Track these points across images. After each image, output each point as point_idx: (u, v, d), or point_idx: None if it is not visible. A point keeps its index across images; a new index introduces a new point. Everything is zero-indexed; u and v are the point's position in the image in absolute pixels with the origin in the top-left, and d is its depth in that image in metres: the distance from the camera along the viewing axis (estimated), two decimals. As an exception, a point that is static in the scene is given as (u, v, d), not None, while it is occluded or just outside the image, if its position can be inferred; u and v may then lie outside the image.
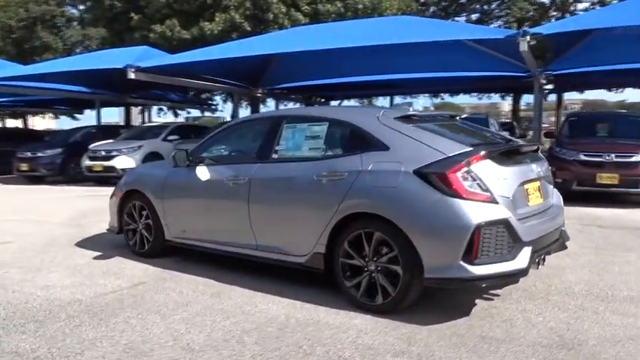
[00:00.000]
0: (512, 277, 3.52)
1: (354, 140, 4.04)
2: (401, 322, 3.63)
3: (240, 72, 15.94)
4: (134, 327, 3.62)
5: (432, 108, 27.17)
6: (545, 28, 9.08)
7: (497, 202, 3.52)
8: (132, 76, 12.62)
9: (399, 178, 3.64)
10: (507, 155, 3.85)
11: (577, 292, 4.28)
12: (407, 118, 4.11)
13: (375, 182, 3.74)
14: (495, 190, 3.54)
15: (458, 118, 4.72)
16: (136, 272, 5.02)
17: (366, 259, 3.81)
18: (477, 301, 4.06)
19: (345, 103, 30.13)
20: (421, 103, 36.60)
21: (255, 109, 20.86)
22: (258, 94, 17.83)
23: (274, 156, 4.48)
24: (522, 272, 3.54)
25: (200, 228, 4.97)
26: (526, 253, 3.58)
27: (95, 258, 5.60)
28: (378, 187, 3.72)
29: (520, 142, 4.74)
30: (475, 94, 25.81)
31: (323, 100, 23.89)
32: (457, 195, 3.46)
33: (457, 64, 15.16)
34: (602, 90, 24.52)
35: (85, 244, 6.29)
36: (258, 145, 4.65)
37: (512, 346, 3.27)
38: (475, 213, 3.43)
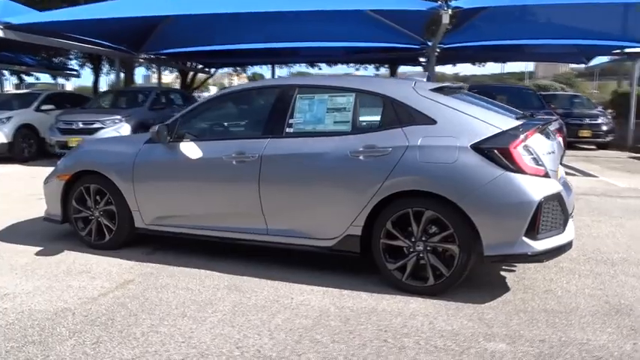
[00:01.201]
0: (565, 250, 3.56)
1: (390, 113, 3.75)
2: (456, 303, 3.51)
3: (122, 34, 14.39)
4: (173, 337, 3.04)
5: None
6: (465, 2, 9.38)
7: (549, 176, 3.51)
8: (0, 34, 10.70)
9: (455, 154, 3.46)
10: (545, 129, 3.86)
11: (577, 258, 4.50)
12: (442, 90, 3.92)
13: (427, 158, 3.51)
14: (547, 164, 3.53)
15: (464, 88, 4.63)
16: (110, 269, 4.26)
17: (413, 240, 3.60)
18: (502, 274, 4.07)
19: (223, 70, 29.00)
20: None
21: (129, 77, 19.17)
22: (141, 59, 16.31)
23: (289, 130, 4.01)
24: (570, 244, 3.60)
25: (188, 213, 4.34)
26: (571, 224, 3.65)
27: (38, 254, 4.66)
28: (432, 164, 3.50)
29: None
30: (354, 64, 26.30)
31: (201, 66, 22.72)
32: (519, 170, 3.38)
33: (352, 35, 15.24)
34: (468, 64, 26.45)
35: (10, 237, 5.20)
36: (266, 117, 4.13)
37: (577, 316, 3.32)
38: (536, 188, 3.38)
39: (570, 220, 3.66)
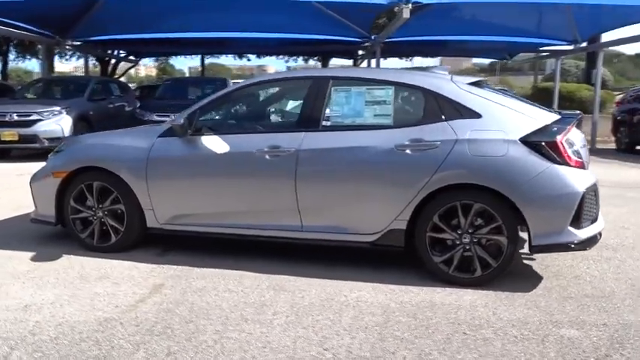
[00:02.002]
0: (599, 238, 3.76)
1: (433, 107, 3.77)
2: (503, 292, 3.61)
3: (47, 18, 13.33)
4: (249, 342, 2.89)
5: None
6: (425, -2, 9.61)
7: (586, 168, 3.69)
8: None
9: (505, 147, 3.55)
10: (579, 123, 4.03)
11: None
12: (478, 84, 3.99)
13: (477, 152, 3.57)
14: (583, 156, 3.71)
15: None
16: (129, 272, 3.97)
17: (460, 232, 3.66)
18: (527, 263, 4.25)
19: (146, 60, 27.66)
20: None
21: (50, 63, 17.84)
22: (67, 46, 15.21)
23: (325, 123, 3.92)
24: (601, 233, 3.82)
25: (212, 211, 4.13)
26: (600, 214, 3.87)
27: (35, 260, 4.25)
28: (482, 157, 3.56)
29: None
30: (283, 56, 26.14)
31: (123, 54, 21.58)
32: (564, 162, 3.53)
33: (291, 26, 15.15)
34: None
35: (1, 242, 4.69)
36: (299, 110, 4.00)
37: (618, 300, 3.53)
38: (579, 179, 3.55)
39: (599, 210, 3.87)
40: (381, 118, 3.83)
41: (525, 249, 3.92)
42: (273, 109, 4.53)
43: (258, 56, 26.11)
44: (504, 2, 10.82)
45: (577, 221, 3.54)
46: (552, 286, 3.75)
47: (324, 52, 21.19)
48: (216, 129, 4.15)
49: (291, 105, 4.20)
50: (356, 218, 3.83)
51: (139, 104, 13.58)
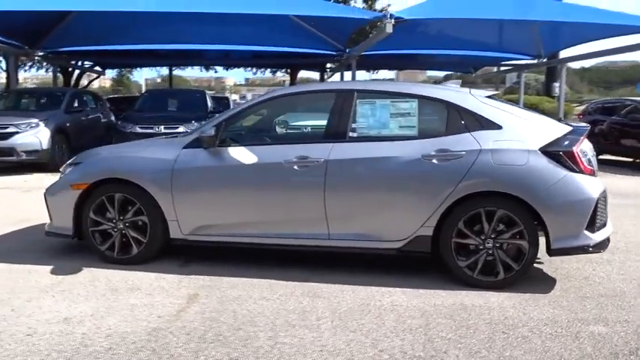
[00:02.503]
0: (609, 241, 4.03)
1: (456, 119, 3.97)
2: (524, 294, 3.81)
3: (18, 28, 13.01)
4: (305, 346, 2.99)
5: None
6: (407, 13, 9.91)
7: (596, 175, 3.97)
8: None
9: (526, 157, 3.78)
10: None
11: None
12: (493, 98, 4.23)
13: (500, 161, 3.79)
14: (594, 164, 3.99)
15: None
16: (158, 283, 3.99)
17: (483, 237, 3.87)
18: (537, 267, 4.48)
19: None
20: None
21: (14, 75, 17.32)
22: (36, 57, 14.85)
23: (352, 134, 4.07)
24: (609, 237, 4.09)
25: (238, 221, 4.20)
26: (608, 218, 4.15)
27: (56, 273, 4.21)
28: (505, 166, 3.79)
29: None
30: (251, 68, 26.19)
31: (89, 65, 21.16)
32: (580, 170, 3.79)
33: (264, 39, 15.29)
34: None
35: (5, 256, 4.61)
36: (325, 122, 4.14)
37: (631, 299, 3.79)
38: (593, 186, 3.82)
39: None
40: (407, 130, 4.01)
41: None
42: (294, 121, 4.64)
43: (226, 68, 26.05)
44: (478, 19, 11.29)
45: (592, 225, 3.80)
46: (567, 287, 3.99)
47: (293, 64, 21.38)
48: (242, 140, 4.24)
49: (317, 117, 4.33)
50: (383, 226, 3.98)
51: (112, 116, 13.41)
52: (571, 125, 4.09)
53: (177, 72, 41.81)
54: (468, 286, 3.90)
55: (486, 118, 3.93)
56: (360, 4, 22.23)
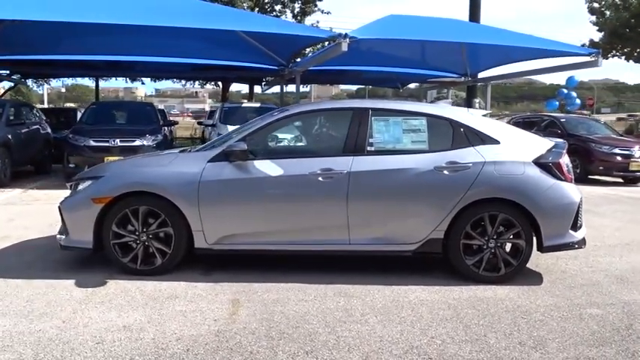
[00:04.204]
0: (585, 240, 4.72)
1: (460, 135, 4.51)
2: (522, 286, 4.41)
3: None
4: (364, 339, 3.35)
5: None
6: (358, 33, 10.51)
7: (573, 182, 4.67)
8: None
9: (522, 168, 4.39)
10: None
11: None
12: (487, 116, 4.83)
13: (501, 171, 4.38)
14: (572, 173, 4.69)
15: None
16: (194, 291, 4.18)
17: (486, 238, 4.43)
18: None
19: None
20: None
21: None
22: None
23: (370, 148, 4.50)
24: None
25: (262, 230, 4.47)
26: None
27: (84, 286, 4.27)
28: (505, 176, 4.37)
29: None
30: (180, 80, 25.87)
31: (6, 74, 20.00)
32: (565, 178, 4.46)
33: (204, 52, 15.32)
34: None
35: (23, 272, 4.57)
36: (345, 137, 4.53)
37: (606, 286, 4.49)
38: (575, 192, 4.51)
39: None
40: (418, 144, 4.50)
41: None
42: (318, 136, 4.98)
43: (154, 80, 25.56)
44: (416, 40, 12.16)
45: (575, 225, 4.48)
46: (554, 280, 4.64)
47: (228, 77, 21.45)
48: (267, 154, 4.53)
49: (335, 132, 4.71)
50: (399, 230, 4.43)
51: (49, 129, 12.93)
52: (552, 140, 4.77)
53: (83, 82, 39.72)
54: (474, 282, 4.43)
55: (486, 134, 4.51)
56: (289, 19, 22.83)
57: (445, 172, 4.39)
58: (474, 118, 4.63)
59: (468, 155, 4.43)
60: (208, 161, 4.48)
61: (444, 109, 4.76)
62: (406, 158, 4.45)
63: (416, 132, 4.54)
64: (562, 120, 14.24)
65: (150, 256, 4.51)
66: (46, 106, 32.78)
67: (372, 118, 4.56)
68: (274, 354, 3.10)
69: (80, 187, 4.64)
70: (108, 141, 10.05)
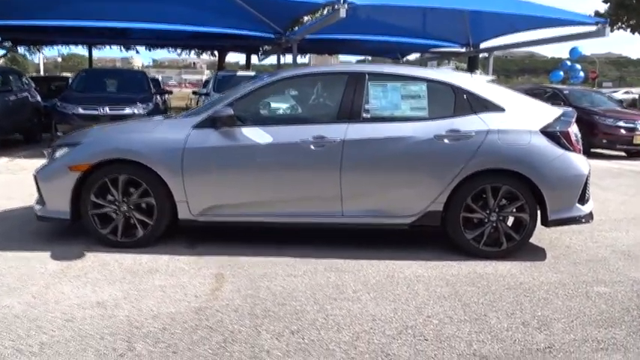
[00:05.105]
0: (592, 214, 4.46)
1: (463, 102, 4.21)
2: (524, 262, 4.17)
3: None
4: (357, 317, 3.12)
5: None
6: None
7: (582, 152, 4.39)
8: None
9: (528, 137, 4.10)
10: None
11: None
12: (493, 82, 4.52)
13: (506, 141, 4.09)
14: (580, 144, 4.40)
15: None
16: (176, 265, 3.93)
17: (488, 211, 4.17)
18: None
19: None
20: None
21: None
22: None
23: (365, 115, 4.20)
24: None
25: (250, 200, 4.21)
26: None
27: (60, 259, 4.02)
28: (510, 146, 4.09)
29: None
30: (175, 49, 25.32)
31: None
32: (573, 149, 4.18)
33: (199, 18, 14.88)
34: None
35: (3, 242, 4.32)
36: (339, 103, 4.23)
37: (613, 263, 4.25)
38: (583, 163, 4.23)
39: None
40: (418, 111, 4.20)
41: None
42: (313, 102, 4.67)
43: (148, 49, 24.95)
44: (418, 7, 11.73)
45: (582, 198, 4.21)
46: (557, 255, 4.40)
47: (224, 46, 20.95)
48: (255, 120, 4.24)
49: (329, 98, 4.40)
50: (396, 202, 4.16)
51: (39, 97, 12.59)
52: (561, 109, 4.47)
53: (78, 51, 38.98)
54: (474, 257, 4.19)
55: (490, 101, 4.21)
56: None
57: (445, 140, 4.10)
58: (477, 83, 4.32)
59: (470, 123, 4.13)
60: (193, 127, 4.18)
61: (446, 73, 4.45)
62: (404, 126, 4.15)
63: (415, 98, 4.23)
64: (565, 92, 13.87)
65: (131, 228, 4.26)
66: (42, 75, 32.13)
67: (369, 83, 4.24)
68: (257, 333, 2.87)
69: (57, 154, 4.35)
70: (97, 109, 9.73)
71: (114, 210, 4.22)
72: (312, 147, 4.09)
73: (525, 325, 3.05)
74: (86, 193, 4.19)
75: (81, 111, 9.67)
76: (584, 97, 13.68)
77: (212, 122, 4.15)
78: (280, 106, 4.55)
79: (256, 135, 4.12)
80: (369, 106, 4.21)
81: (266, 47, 19.14)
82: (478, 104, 4.20)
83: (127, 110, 9.87)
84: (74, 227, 4.45)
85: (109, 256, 4.07)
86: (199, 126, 4.18)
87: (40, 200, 4.33)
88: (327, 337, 2.83)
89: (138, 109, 10.00)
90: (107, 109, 9.74)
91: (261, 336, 2.84)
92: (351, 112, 4.18)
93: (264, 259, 4.07)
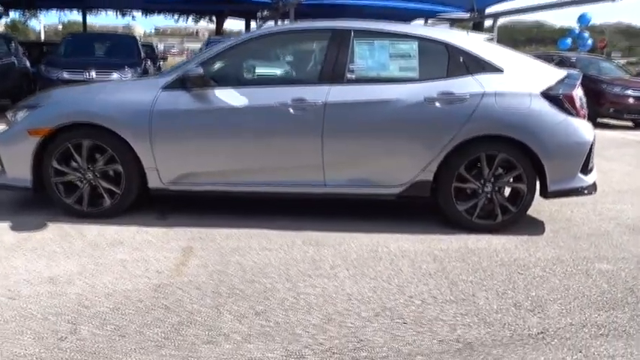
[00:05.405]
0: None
1: (457, 61, 3.83)
2: (520, 236, 3.86)
3: None
4: (331, 296, 2.83)
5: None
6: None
7: (587, 118, 4.03)
8: None
9: (528, 100, 3.74)
10: None
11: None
12: (490, 41, 4.13)
13: (503, 105, 3.73)
14: (585, 109, 4.03)
15: None
16: (143, 237, 3.64)
17: (482, 181, 3.84)
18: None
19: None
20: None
21: None
22: None
23: (350, 76, 3.83)
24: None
25: (225, 168, 3.89)
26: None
27: (17, 229, 3.73)
28: (508, 110, 3.73)
29: None
30: (172, 15, 24.67)
31: None
32: (577, 114, 3.82)
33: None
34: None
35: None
36: (321, 62, 3.86)
37: (617, 237, 3.93)
38: (587, 130, 3.87)
39: None
40: (407, 72, 3.83)
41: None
42: (290, 61, 4.31)
43: (144, 14, 24.33)
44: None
45: (585, 168, 3.87)
46: (557, 229, 4.08)
47: (222, 11, 20.35)
48: (229, 81, 3.88)
49: (310, 57, 4.04)
50: (383, 171, 3.84)
51: (28, 62, 12.22)
52: (565, 70, 4.09)
53: (79, 18, 38.46)
54: (466, 230, 3.88)
55: (488, 61, 3.84)
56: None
57: (437, 104, 3.74)
58: (473, 42, 3.93)
59: (465, 85, 3.77)
60: (162, 89, 3.83)
61: (439, 31, 4.05)
62: (392, 88, 3.79)
63: (405, 58, 3.86)
64: (572, 59, 13.36)
65: (98, 198, 3.96)
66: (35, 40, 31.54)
67: (355, 40, 3.86)
68: (218, 314, 2.58)
69: (18, 117, 4.02)
70: (82, 73, 9.32)
71: (78, 178, 3.91)
72: (291, 110, 3.75)
73: (517, 306, 2.75)
74: (48, 159, 3.87)
75: (65, 76, 9.27)
76: (591, 65, 13.18)
77: (182, 83, 3.80)
78: (257, 66, 4.16)
79: (230, 97, 3.77)
80: (354, 66, 3.84)
81: (265, 13, 18.54)
82: (474, 65, 3.83)
83: (115, 75, 9.46)
84: (41, 197, 4.14)
85: (72, 227, 3.77)
86: (169, 87, 3.83)
87: (1, 167, 4.02)
88: (294, 320, 2.54)
89: (126, 75, 9.60)
90: (93, 73, 9.34)
91: (222, 317, 2.55)
92: (334, 73, 3.82)
93: (240, 230, 3.77)
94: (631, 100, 11.42)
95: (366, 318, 2.58)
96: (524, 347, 2.36)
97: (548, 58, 14.17)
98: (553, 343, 2.41)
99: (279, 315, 2.59)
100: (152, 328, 2.43)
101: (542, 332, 2.50)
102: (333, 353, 2.26)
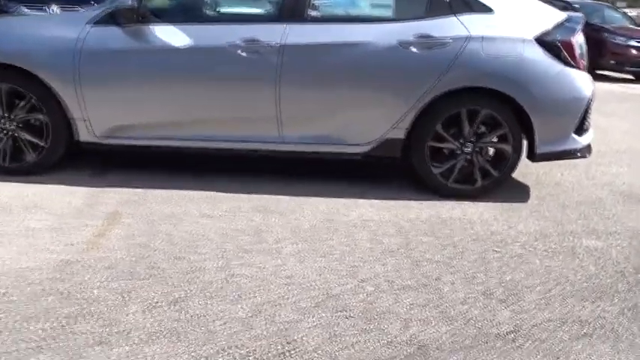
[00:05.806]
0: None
1: (439, -1, 3.26)
2: (502, 204, 3.41)
3: None
4: (266, 279, 2.38)
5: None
6: None
7: (586, 70, 3.49)
8: None
9: (521, 47, 3.19)
10: None
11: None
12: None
13: (491, 51, 3.18)
14: (585, 59, 3.49)
15: None
16: (68, 200, 3.16)
17: (462, 141, 3.34)
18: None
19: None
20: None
21: None
22: None
23: (313, 13, 3.26)
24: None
25: (166, 120, 3.37)
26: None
27: None
28: (496, 57, 3.19)
29: None
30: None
31: None
32: (575, 65, 3.29)
33: None
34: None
35: None
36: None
37: (610, 207, 3.50)
38: (586, 83, 3.36)
39: None
40: (380, 10, 3.30)
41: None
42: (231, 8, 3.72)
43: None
44: None
45: (580, 128, 3.39)
46: (543, 195, 3.63)
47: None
48: (170, 17, 3.30)
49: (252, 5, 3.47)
50: (348, 127, 3.33)
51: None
52: (566, 13, 3.51)
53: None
54: (441, 196, 3.42)
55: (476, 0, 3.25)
56: None
57: (413, 48, 3.19)
58: (461, -25, 3.33)
59: (447, 27, 3.21)
60: (91, 24, 3.26)
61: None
62: (361, 29, 3.24)
63: (377, -8, 3.27)
64: (576, 5, 12.54)
65: (20, 151, 3.44)
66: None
67: (318, -31, 3.26)
68: (124, 304, 2.13)
69: None
70: (44, 9, 8.55)
71: (-4, 129, 3.38)
72: (242, 53, 3.20)
73: (487, 295, 2.32)
74: (-41, 106, 3.33)
75: (25, 11, 8.50)
76: (595, 13, 12.39)
77: (113, 17, 3.22)
78: (203, 0, 3.56)
79: (170, 35, 3.21)
80: (316, 1, 3.25)
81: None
82: (459, 3, 3.26)
83: (81, 11, 8.69)
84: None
85: (-9, 186, 3.28)
86: (99, 23, 3.27)
87: None
88: (215, 311, 2.10)
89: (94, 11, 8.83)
90: (56, 9, 8.56)
91: (127, 308, 2.10)
92: (293, 9, 3.25)
93: (180, 192, 3.30)
94: (634, 52, 10.77)
95: (304, 310, 2.14)
96: (489, 352, 1.93)
97: (550, 4, 13.37)
98: (525, 346, 1.98)
99: (198, 305, 2.14)
100: (36, 323, 1.97)
101: (513, 331, 2.07)
102: (252, 360, 1.83)
